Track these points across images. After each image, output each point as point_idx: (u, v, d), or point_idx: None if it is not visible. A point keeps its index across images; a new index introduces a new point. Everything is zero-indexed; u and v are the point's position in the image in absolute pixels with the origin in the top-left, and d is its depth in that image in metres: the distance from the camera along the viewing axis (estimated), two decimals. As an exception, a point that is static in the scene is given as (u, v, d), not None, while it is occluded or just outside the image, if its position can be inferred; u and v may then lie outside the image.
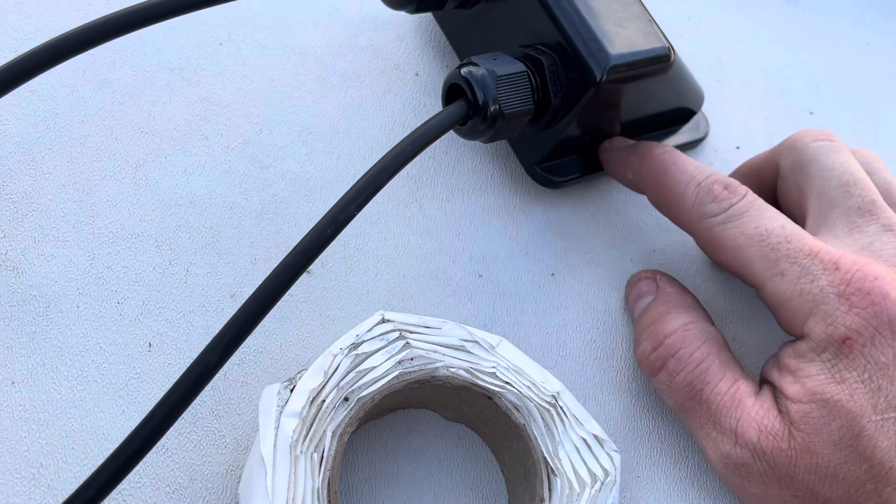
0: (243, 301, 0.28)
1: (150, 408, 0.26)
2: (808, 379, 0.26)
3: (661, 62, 0.30)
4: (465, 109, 0.27)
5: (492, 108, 0.27)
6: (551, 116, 0.29)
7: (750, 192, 0.29)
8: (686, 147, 0.36)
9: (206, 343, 0.27)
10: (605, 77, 0.28)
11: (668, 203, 0.30)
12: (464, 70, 0.27)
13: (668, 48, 0.30)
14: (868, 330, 0.25)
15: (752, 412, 0.27)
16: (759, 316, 0.33)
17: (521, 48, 0.30)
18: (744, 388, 0.27)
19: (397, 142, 0.33)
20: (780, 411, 0.26)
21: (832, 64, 0.43)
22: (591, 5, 0.29)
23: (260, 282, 0.29)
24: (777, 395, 0.27)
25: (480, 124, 0.27)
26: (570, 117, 0.29)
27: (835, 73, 0.43)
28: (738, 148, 0.38)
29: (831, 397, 0.25)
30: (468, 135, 0.28)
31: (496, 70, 0.27)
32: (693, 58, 0.39)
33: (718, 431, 0.27)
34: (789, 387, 0.26)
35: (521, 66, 0.28)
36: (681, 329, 0.29)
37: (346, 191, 0.24)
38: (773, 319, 0.31)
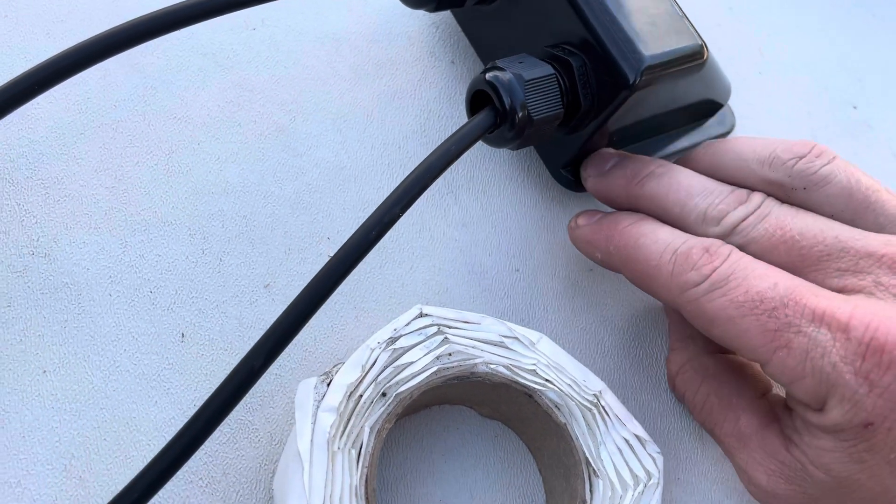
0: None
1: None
2: (824, 453, 0.24)
3: (694, 60, 0.28)
4: (492, 117, 0.26)
5: (520, 115, 0.26)
6: (580, 120, 0.28)
7: (735, 251, 0.25)
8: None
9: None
10: (639, 79, 0.27)
11: (646, 279, 0.26)
12: (489, 75, 0.26)
13: (702, 45, 0.28)
14: (893, 411, 0.22)
15: (757, 456, 0.26)
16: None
17: (546, 48, 0.28)
18: (746, 425, 0.26)
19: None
20: (792, 444, 0.25)
21: (877, 57, 0.42)
22: (621, 2, 0.28)
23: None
24: (792, 428, 0.25)
25: (508, 132, 0.26)
26: (600, 120, 0.28)
27: (879, 67, 0.41)
28: (779, 142, 0.37)
29: (849, 476, 0.23)
30: (496, 142, 0.27)
31: (523, 74, 0.26)
32: (734, 49, 0.38)
33: (738, 468, 0.27)
34: (804, 443, 0.25)
35: (549, 69, 0.27)
36: (680, 372, 0.29)
37: (377, 207, 0.23)
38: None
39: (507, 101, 0.26)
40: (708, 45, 0.29)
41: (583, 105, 0.27)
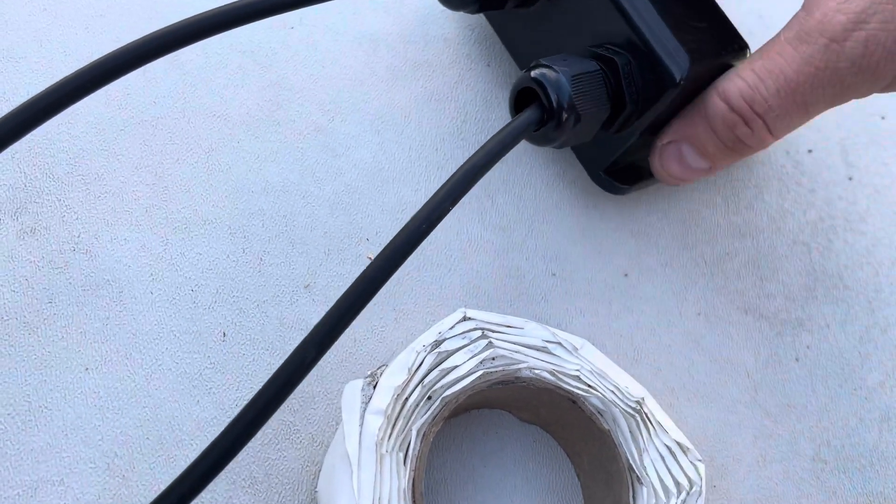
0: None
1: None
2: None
3: (738, 58, 0.28)
4: (538, 114, 0.26)
5: (567, 112, 0.25)
6: (624, 120, 0.28)
7: None
8: None
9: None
10: (685, 77, 0.27)
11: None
12: (535, 72, 0.26)
13: (744, 42, 0.28)
14: None
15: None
16: (838, 318, 0.32)
17: (589, 48, 0.28)
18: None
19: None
20: None
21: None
22: (665, 2, 0.28)
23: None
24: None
25: (553, 130, 0.26)
26: (644, 120, 0.28)
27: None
28: (809, 151, 0.37)
29: None
30: (540, 140, 0.27)
31: (570, 70, 0.26)
32: (765, 57, 0.38)
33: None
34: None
35: (594, 66, 0.27)
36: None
37: (424, 204, 0.23)
38: (844, 331, 0.31)
39: (553, 97, 0.25)
40: None
41: (627, 104, 0.27)
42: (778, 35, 0.26)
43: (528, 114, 0.26)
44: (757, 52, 0.27)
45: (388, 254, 0.22)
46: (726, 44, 0.28)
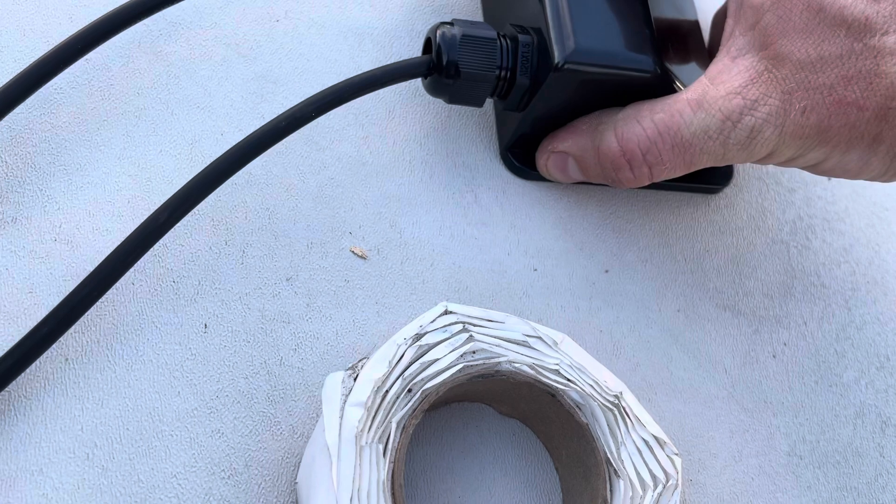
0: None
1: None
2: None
3: (640, 72, 0.29)
4: (427, 62, 0.29)
5: (449, 65, 0.28)
6: (520, 96, 0.30)
7: None
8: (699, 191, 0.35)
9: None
10: (564, 63, 0.28)
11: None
12: (439, 28, 0.29)
13: (655, 63, 0.29)
14: None
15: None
16: (819, 318, 0.33)
17: (510, 25, 0.30)
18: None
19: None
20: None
21: None
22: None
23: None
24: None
25: (439, 79, 0.29)
26: (535, 99, 0.29)
27: None
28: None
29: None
30: (430, 89, 0.30)
31: (465, 31, 0.29)
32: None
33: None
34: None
35: (492, 34, 0.29)
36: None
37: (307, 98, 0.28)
38: (821, 328, 0.31)
39: (443, 49, 0.28)
40: None
41: (518, 78, 0.29)
42: (680, 94, 0.29)
43: (417, 60, 0.29)
44: (659, 101, 0.29)
45: (253, 139, 0.26)
46: (633, 60, 0.29)
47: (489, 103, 0.33)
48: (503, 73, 0.29)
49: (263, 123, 0.27)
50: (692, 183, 0.33)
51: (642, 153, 0.29)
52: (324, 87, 0.31)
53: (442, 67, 0.28)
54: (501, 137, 0.32)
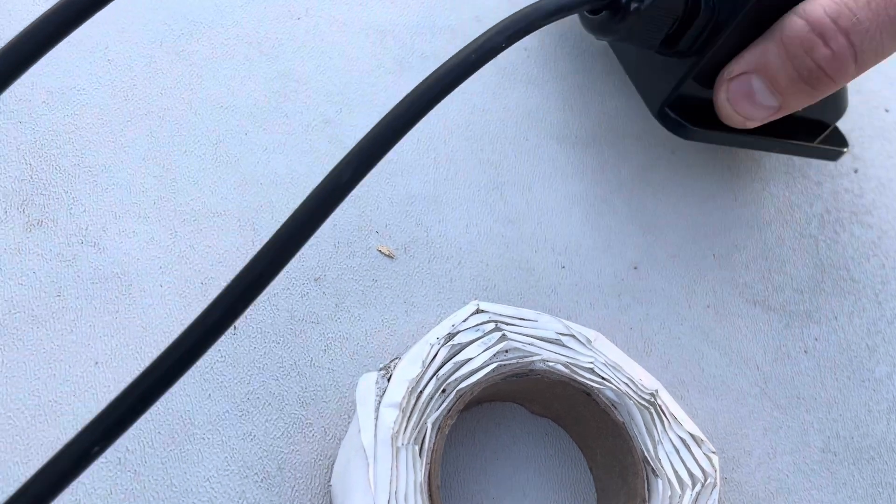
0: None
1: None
2: None
3: None
4: None
5: None
6: (696, 34, 0.26)
7: None
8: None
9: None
10: None
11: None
12: None
13: None
14: None
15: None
16: (844, 310, 0.32)
17: None
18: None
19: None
20: None
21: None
22: None
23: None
24: None
25: (614, 16, 0.24)
26: (722, 36, 0.26)
27: (910, 71, 0.42)
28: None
29: None
30: (598, 29, 0.25)
31: None
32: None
33: None
34: None
35: None
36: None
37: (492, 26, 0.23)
38: (852, 323, 0.31)
39: None
40: None
41: (703, 12, 0.25)
42: None
43: None
44: None
45: (442, 73, 0.22)
46: None
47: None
48: (686, 5, 0.25)
49: (444, 61, 0.22)
50: (819, 144, 0.30)
51: (832, 20, 0.24)
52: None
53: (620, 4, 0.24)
54: (652, 89, 0.29)
